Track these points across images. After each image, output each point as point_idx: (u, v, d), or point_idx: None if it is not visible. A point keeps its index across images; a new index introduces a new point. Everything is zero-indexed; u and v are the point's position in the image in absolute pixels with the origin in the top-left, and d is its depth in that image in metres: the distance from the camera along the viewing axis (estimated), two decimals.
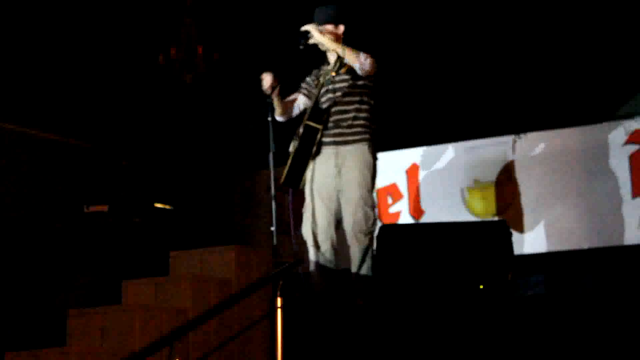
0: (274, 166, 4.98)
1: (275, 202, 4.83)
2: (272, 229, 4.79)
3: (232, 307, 4.42)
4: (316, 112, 5.01)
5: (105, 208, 7.06)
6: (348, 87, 5.01)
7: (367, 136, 5.03)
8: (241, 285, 5.06)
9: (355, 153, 4.98)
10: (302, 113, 5.20)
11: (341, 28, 5.10)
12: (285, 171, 5.02)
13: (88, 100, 7.84)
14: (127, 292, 5.19)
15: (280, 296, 3.92)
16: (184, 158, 8.55)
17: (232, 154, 8.32)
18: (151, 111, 8.34)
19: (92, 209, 7.05)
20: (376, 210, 5.12)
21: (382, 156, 7.49)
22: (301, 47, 5.02)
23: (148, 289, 5.08)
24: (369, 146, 5.03)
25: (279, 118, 5.18)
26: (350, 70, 4.99)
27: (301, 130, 5.01)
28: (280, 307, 3.90)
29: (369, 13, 7.33)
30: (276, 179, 4.99)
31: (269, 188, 4.94)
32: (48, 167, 7.55)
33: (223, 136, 8.32)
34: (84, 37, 7.71)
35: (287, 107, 5.18)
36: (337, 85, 5.05)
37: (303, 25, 5.10)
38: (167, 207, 7.72)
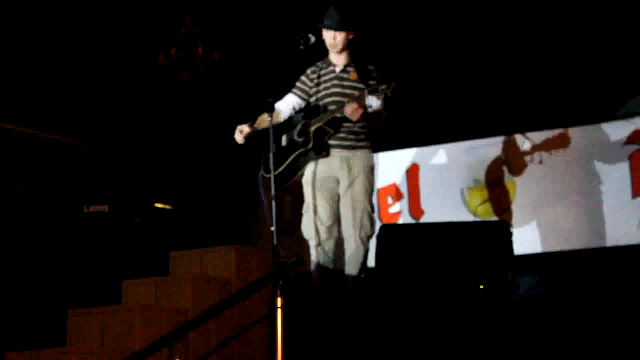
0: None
1: (276, 202, 4.83)
2: (272, 229, 4.80)
3: (232, 307, 4.42)
4: (330, 117, 5.03)
5: (105, 208, 7.06)
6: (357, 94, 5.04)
7: (369, 143, 5.14)
8: (241, 285, 5.06)
9: (361, 159, 5.07)
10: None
11: (351, 35, 5.13)
12: (283, 165, 5.08)
13: (88, 100, 7.84)
14: (127, 292, 5.19)
15: (280, 296, 3.92)
16: (184, 158, 8.55)
17: (232, 154, 8.32)
18: (151, 111, 8.34)
19: (92, 209, 7.06)
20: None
21: (382, 156, 7.56)
22: (301, 47, 5.04)
23: (148, 289, 5.08)
24: (371, 152, 5.15)
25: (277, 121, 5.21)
26: (360, 78, 5.02)
27: (312, 129, 5.04)
28: (280, 307, 3.90)
29: (368, 11, 7.32)
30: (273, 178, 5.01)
31: (269, 188, 4.94)
32: (48, 167, 7.55)
33: (223, 136, 8.31)
34: (84, 37, 7.71)
35: (274, 116, 5.18)
36: (347, 91, 5.07)
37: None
38: (167, 207, 7.72)
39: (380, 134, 5.29)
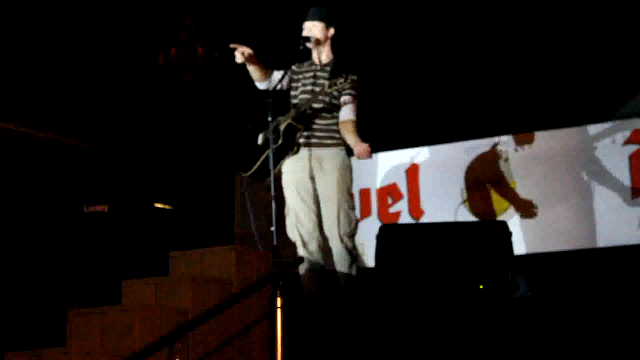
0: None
1: (275, 202, 4.83)
2: (272, 229, 4.80)
3: (232, 307, 4.42)
4: (299, 112, 5.03)
5: (105, 208, 7.06)
6: (332, 92, 5.03)
7: (342, 141, 5.09)
8: (241, 285, 5.05)
9: (333, 156, 5.06)
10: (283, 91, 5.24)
11: (331, 30, 5.13)
12: (257, 164, 5.09)
13: (88, 100, 7.84)
14: (127, 292, 5.18)
15: (280, 296, 3.92)
16: (184, 158, 8.55)
17: (232, 154, 8.32)
18: (151, 111, 8.35)
19: (92, 209, 7.06)
20: (356, 211, 5.18)
21: (382, 156, 7.56)
22: (301, 47, 5.04)
23: (148, 289, 5.07)
24: (345, 151, 5.11)
25: (260, 85, 5.23)
26: (333, 76, 5.02)
27: (282, 127, 5.04)
28: (280, 307, 3.91)
29: (368, 12, 7.33)
30: (276, 179, 5.02)
31: (269, 188, 4.95)
32: (48, 167, 7.55)
33: (223, 136, 8.32)
34: (84, 37, 7.72)
35: (267, 73, 5.19)
36: (322, 88, 5.06)
37: (302, 24, 5.13)
38: (167, 207, 7.72)
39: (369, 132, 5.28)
